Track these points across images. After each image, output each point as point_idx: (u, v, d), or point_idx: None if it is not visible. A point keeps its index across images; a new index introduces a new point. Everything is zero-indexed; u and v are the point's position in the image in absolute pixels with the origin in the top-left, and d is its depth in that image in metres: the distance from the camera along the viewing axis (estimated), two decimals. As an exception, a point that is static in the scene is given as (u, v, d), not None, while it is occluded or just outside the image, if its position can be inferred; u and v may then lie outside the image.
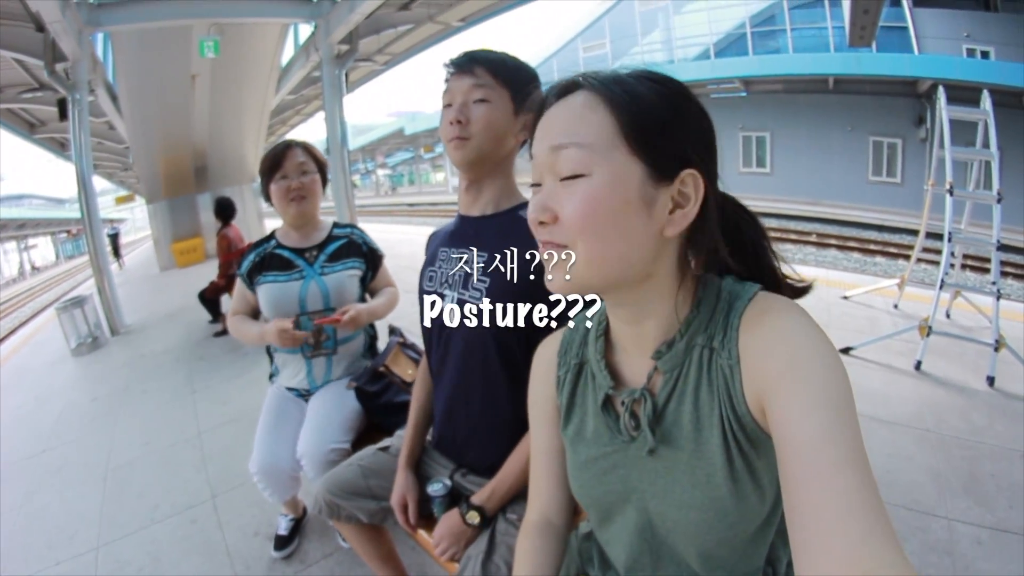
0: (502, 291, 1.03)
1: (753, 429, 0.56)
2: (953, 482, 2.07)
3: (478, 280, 1.07)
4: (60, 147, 14.28)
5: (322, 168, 1.78)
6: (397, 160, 35.06)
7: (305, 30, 8.44)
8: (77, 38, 5.58)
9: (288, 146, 1.70)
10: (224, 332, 4.77)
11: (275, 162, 1.68)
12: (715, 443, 0.58)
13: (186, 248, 9.59)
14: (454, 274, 1.11)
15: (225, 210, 4.95)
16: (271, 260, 1.74)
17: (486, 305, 1.04)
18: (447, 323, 1.11)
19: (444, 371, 1.17)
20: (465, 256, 1.10)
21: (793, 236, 10.43)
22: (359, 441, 1.63)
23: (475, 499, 1.07)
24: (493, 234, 1.09)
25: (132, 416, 3.33)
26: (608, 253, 0.56)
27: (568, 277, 0.57)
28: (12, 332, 8.85)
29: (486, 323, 1.05)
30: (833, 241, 9.94)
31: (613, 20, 20.75)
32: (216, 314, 5.03)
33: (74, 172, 5.66)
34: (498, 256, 1.05)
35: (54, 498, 2.52)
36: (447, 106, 1.09)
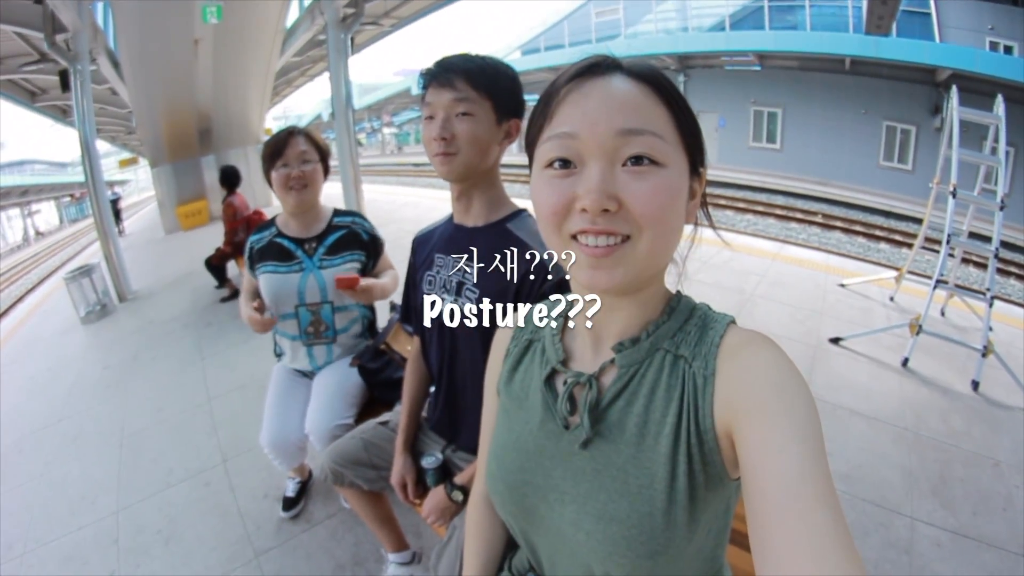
0: (492, 298, 1.10)
1: (712, 449, 0.55)
2: (922, 483, 2.15)
3: (469, 290, 1.15)
4: (62, 113, 14.00)
5: (324, 156, 1.77)
6: (403, 119, 34.55)
7: (310, -8, 8.24)
8: (76, 8, 5.49)
9: (290, 134, 1.70)
10: (230, 297, 4.85)
11: (276, 149, 1.68)
12: (662, 452, 0.56)
13: (191, 211, 9.55)
14: (450, 279, 1.18)
15: (230, 178, 4.97)
16: (271, 249, 1.77)
17: (485, 305, 1.10)
18: (446, 323, 1.17)
19: (442, 365, 1.26)
20: (459, 264, 1.17)
21: (799, 215, 10.33)
22: (362, 414, 1.75)
23: (458, 479, 1.20)
24: (485, 246, 1.12)
25: (143, 383, 3.42)
26: (669, 245, 0.57)
27: (623, 271, 0.54)
28: (20, 300, 8.91)
29: (486, 323, 1.10)
30: (839, 223, 9.83)
31: (628, -16, 20.11)
32: (222, 280, 5.08)
33: (77, 138, 5.64)
34: (488, 267, 1.11)
35: (73, 466, 2.63)
36: (429, 118, 1.10)
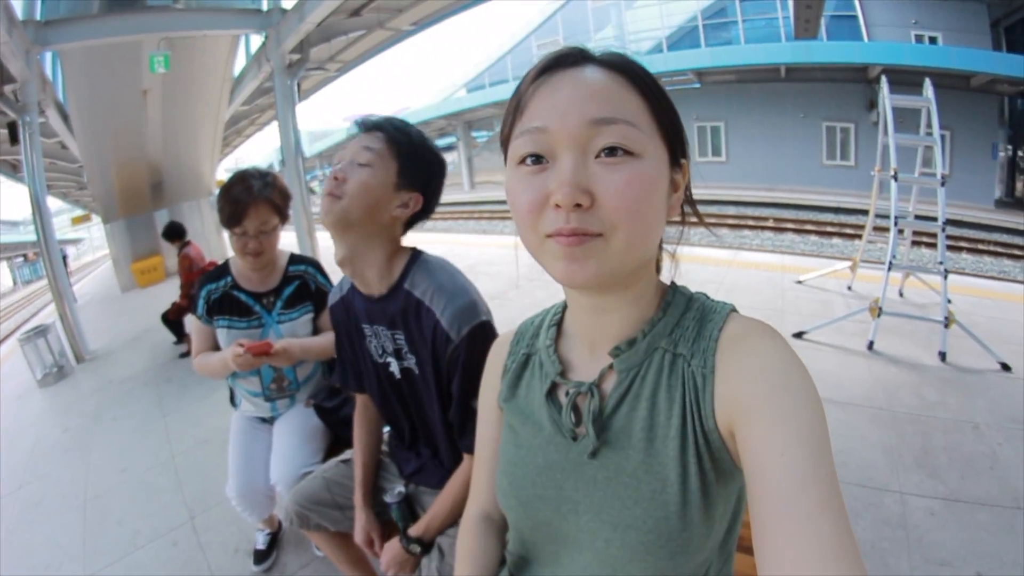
0: (427, 367, 1.09)
1: (719, 447, 0.54)
2: (906, 457, 2.18)
3: (407, 354, 1.12)
4: (11, 168, 13.64)
5: (284, 211, 1.67)
6: (354, 166, 35.11)
7: (256, 41, 8.32)
8: (24, 58, 5.40)
9: (252, 200, 1.56)
10: (189, 352, 4.71)
11: (234, 216, 1.57)
12: (670, 455, 0.55)
13: (146, 267, 9.30)
14: (386, 346, 1.16)
15: (174, 234, 4.91)
16: (228, 301, 1.68)
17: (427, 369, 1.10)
18: (396, 376, 1.17)
19: (396, 415, 1.25)
20: (386, 332, 1.14)
21: (751, 222, 10.64)
22: (326, 456, 1.68)
23: (413, 531, 1.14)
24: (397, 314, 1.10)
25: (105, 444, 3.29)
26: (648, 239, 0.54)
27: (597, 265, 0.51)
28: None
29: (424, 376, 1.12)
30: (790, 225, 10.20)
31: (566, 17, 20.94)
32: (180, 335, 4.95)
33: (27, 194, 5.49)
34: (411, 334, 1.09)
35: (36, 534, 2.49)
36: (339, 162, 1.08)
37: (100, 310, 7.99)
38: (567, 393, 0.63)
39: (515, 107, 0.56)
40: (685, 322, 0.59)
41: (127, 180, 8.99)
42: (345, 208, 1.03)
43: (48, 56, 6.94)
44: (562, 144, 0.51)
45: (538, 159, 0.53)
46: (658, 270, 0.65)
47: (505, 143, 0.58)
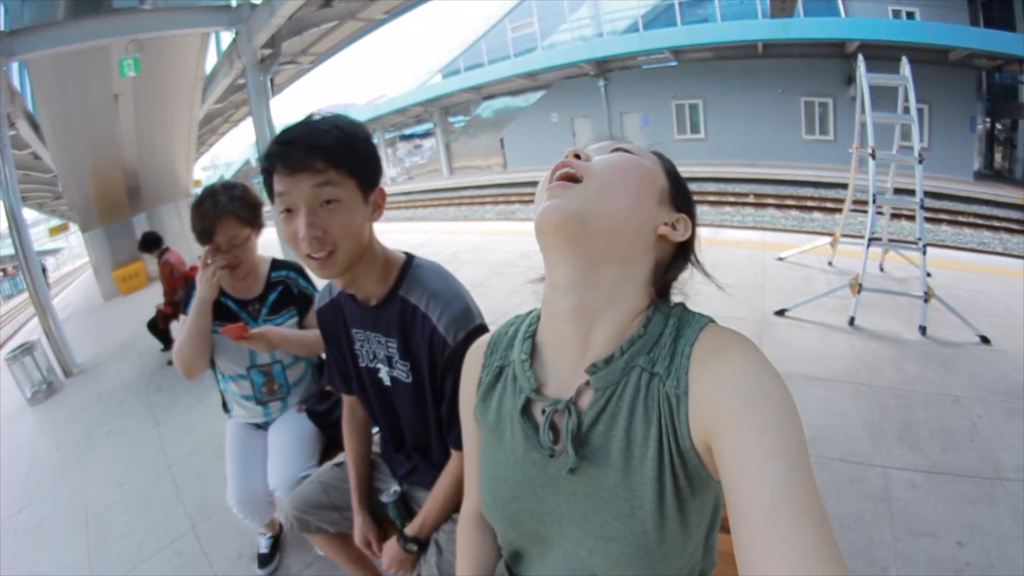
0: (423, 370, 1.09)
1: (695, 466, 0.54)
2: (887, 431, 2.24)
3: (399, 362, 1.12)
4: None
5: (256, 221, 1.67)
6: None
7: (226, 37, 8.14)
8: None
9: (218, 216, 1.57)
10: None
11: (205, 232, 1.58)
12: (647, 476, 0.56)
13: (128, 274, 9.15)
14: (377, 352, 1.16)
15: (151, 243, 4.85)
16: (216, 308, 1.68)
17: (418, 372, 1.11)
18: (385, 383, 1.18)
19: (385, 418, 1.26)
20: (379, 339, 1.13)
21: (731, 199, 10.67)
22: (321, 459, 1.71)
23: (409, 530, 1.17)
24: (392, 321, 1.09)
25: (102, 460, 3.27)
26: (622, 193, 0.60)
27: (569, 200, 0.57)
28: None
29: (417, 381, 1.12)
30: (771, 200, 10.24)
31: (540, -2, 20.68)
32: (167, 342, 4.91)
33: (2, 208, 5.41)
34: (405, 340, 1.09)
35: (41, 556, 2.48)
36: (287, 211, 0.95)
37: (84, 321, 7.87)
38: (543, 411, 0.62)
39: None
40: (663, 340, 0.59)
41: (103, 186, 8.81)
42: (344, 257, 0.99)
43: (15, 67, 6.73)
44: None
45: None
46: (665, 294, 0.66)
47: None
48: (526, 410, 0.65)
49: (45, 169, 11.65)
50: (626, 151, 0.64)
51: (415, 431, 1.21)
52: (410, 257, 1.14)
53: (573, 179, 0.58)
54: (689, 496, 0.56)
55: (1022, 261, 4.50)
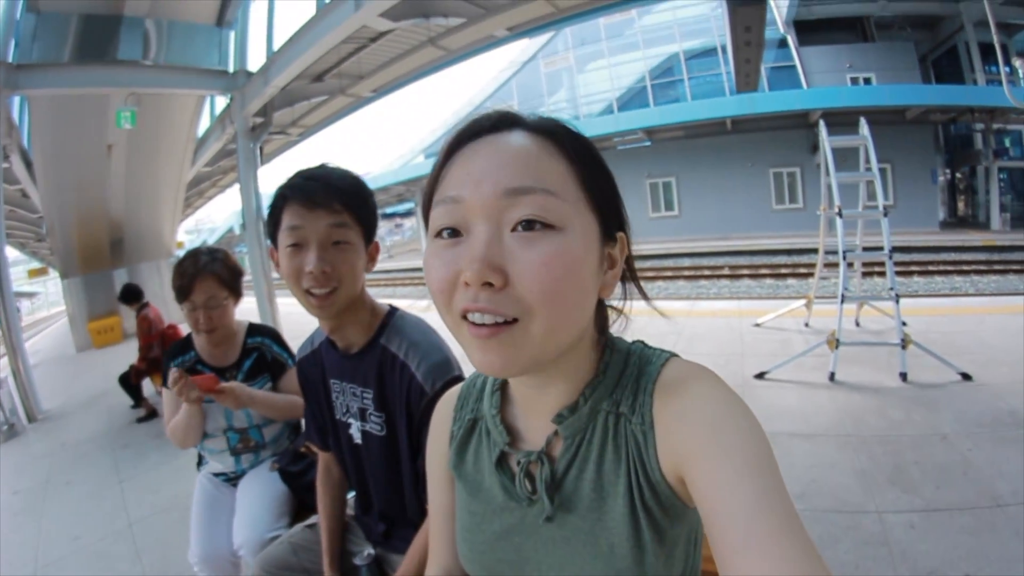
0: (399, 422, 1.08)
1: (668, 496, 0.53)
2: (878, 477, 2.22)
3: (373, 415, 1.12)
4: None
5: (235, 287, 1.70)
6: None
7: (221, 102, 8.42)
8: None
9: (197, 274, 1.60)
10: (147, 417, 4.56)
11: (184, 288, 1.61)
12: (619, 512, 0.54)
13: (103, 327, 8.92)
14: (351, 405, 1.15)
15: (131, 296, 4.85)
16: (192, 375, 1.64)
17: (392, 426, 1.10)
18: (358, 442, 1.16)
19: (356, 478, 1.23)
20: (355, 390, 1.13)
21: (707, 272, 10.92)
22: (291, 522, 1.63)
23: None
24: (370, 371, 1.09)
25: (58, 509, 3.12)
26: (570, 323, 0.50)
27: (515, 355, 0.48)
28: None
29: (398, 440, 1.10)
30: (745, 271, 10.52)
31: (520, 81, 22.06)
32: (138, 399, 4.77)
33: None
34: (381, 392, 1.09)
35: None
36: (295, 245, 0.98)
37: (54, 369, 7.67)
38: (518, 462, 0.61)
39: (435, 174, 0.53)
40: (624, 380, 0.57)
41: (87, 235, 8.77)
42: (344, 298, 1.01)
43: (16, 100, 6.85)
44: (475, 215, 0.48)
45: (454, 232, 0.49)
46: (604, 329, 0.62)
47: (425, 213, 0.54)
48: (501, 462, 0.63)
49: (32, 209, 11.59)
50: (545, 223, 0.47)
51: (386, 493, 1.17)
52: (393, 309, 1.16)
53: (499, 313, 0.47)
54: (666, 526, 0.55)
55: (994, 298, 4.67)
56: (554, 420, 0.58)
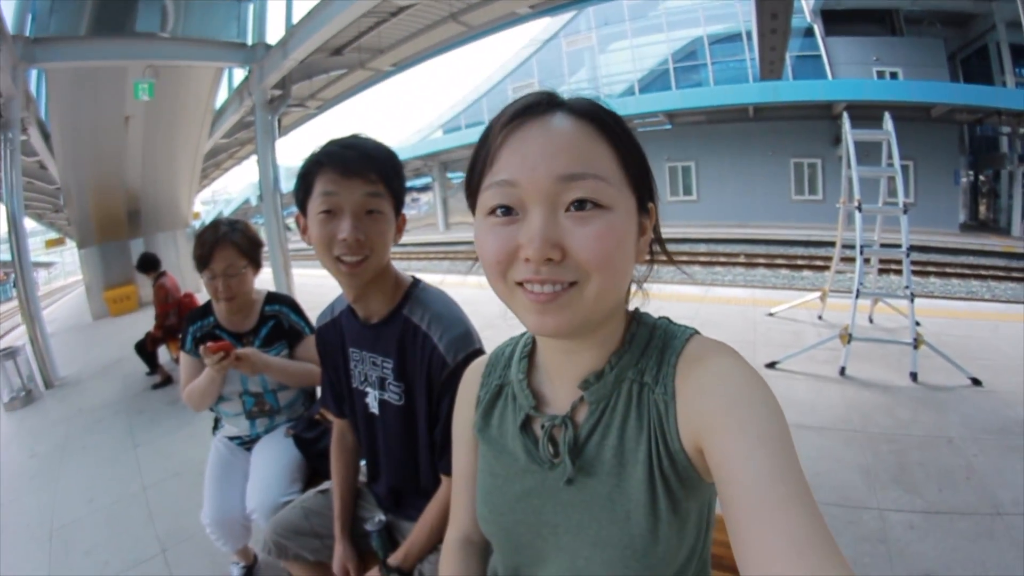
0: (418, 392, 1.09)
1: (685, 467, 0.56)
2: (882, 475, 2.22)
3: (392, 384, 1.13)
4: None
5: (254, 256, 1.73)
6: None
7: (239, 74, 8.43)
8: (11, 74, 5.40)
9: (217, 241, 1.63)
10: (162, 384, 4.64)
11: (203, 257, 1.64)
12: (639, 478, 0.57)
13: (119, 296, 9.06)
14: (370, 374, 1.16)
15: (148, 265, 4.91)
16: (211, 339, 1.70)
17: (412, 396, 1.11)
18: (373, 411, 1.18)
19: (371, 446, 1.25)
20: (375, 360, 1.14)
21: (723, 259, 10.83)
22: (304, 488, 1.66)
23: (392, 561, 1.12)
24: (392, 341, 1.10)
25: (74, 473, 3.19)
26: (618, 288, 0.56)
27: (570, 316, 0.53)
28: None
29: (416, 410, 1.12)
30: (761, 260, 10.40)
31: (541, 60, 21.65)
32: (153, 366, 4.84)
33: (3, 213, 5.45)
34: (402, 361, 1.10)
35: None
36: (327, 212, 0.98)
37: (71, 337, 7.79)
38: (542, 426, 0.64)
39: (485, 156, 0.56)
40: (649, 351, 0.61)
41: (104, 206, 8.87)
42: (373, 267, 1.03)
43: (33, 73, 6.90)
44: (531, 198, 0.52)
45: (508, 211, 0.54)
46: (626, 301, 0.66)
47: (473, 194, 0.58)
48: (525, 426, 0.67)
49: (49, 180, 11.74)
50: (596, 203, 0.52)
51: (399, 462, 1.19)
52: (416, 280, 1.17)
53: (560, 281, 0.53)
54: (682, 496, 0.57)
55: (1010, 305, 4.59)
56: (580, 386, 0.62)
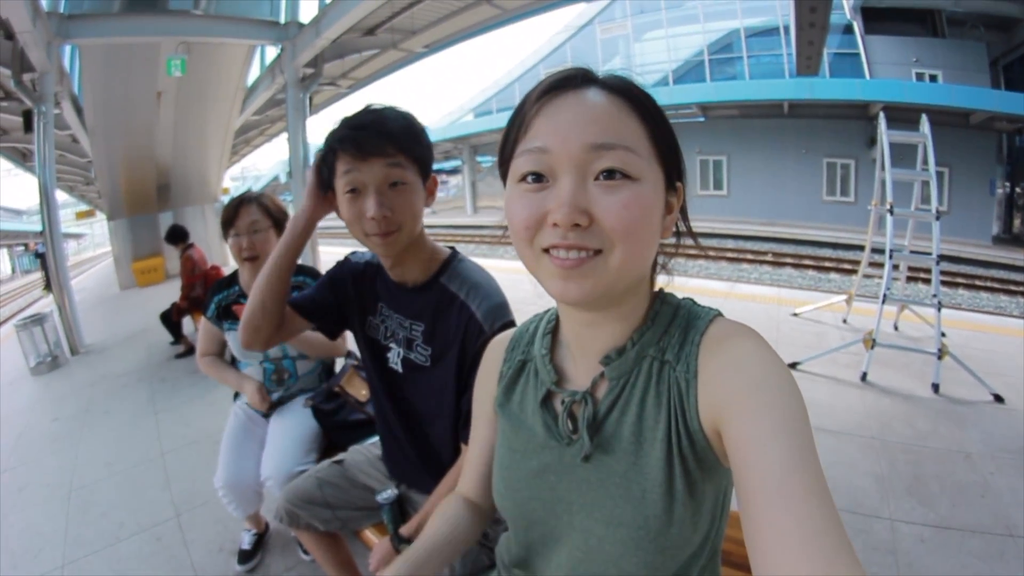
0: (449, 359, 1.10)
1: (703, 448, 0.56)
2: (897, 485, 2.18)
3: (419, 346, 1.13)
4: (22, 157, 13.81)
5: (279, 221, 1.78)
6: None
7: (271, 52, 8.49)
8: (46, 49, 5.51)
9: (241, 202, 1.73)
10: (186, 353, 4.74)
11: (228, 218, 1.72)
12: (656, 457, 0.57)
13: (147, 267, 9.33)
14: (397, 332, 1.17)
15: (177, 236, 5.02)
16: (236, 310, 1.78)
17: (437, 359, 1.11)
18: (395, 368, 1.18)
19: (386, 409, 1.25)
20: (403, 322, 1.15)
21: (749, 256, 10.69)
22: (320, 459, 1.69)
23: (405, 531, 1.14)
24: (426, 306, 1.12)
25: (94, 437, 3.29)
26: (642, 259, 0.56)
27: (593, 284, 0.54)
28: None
29: (435, 368, 1.12)
30: (789, 260, 10.23)
31: (575, 46, 21.28)
32: (178, 336, 4.97)
33: (36, 184, 5.57)
34: (433, 327, 1.10)
35: (17, 518, 2.48)
36: (352, 191, 1.00)
37: (98, 306, 8.00)
38: (563, 401, 0.65)
39: (519, 125, 0.58)
40: (672, 330, 0.61)
41: (134, 180, 9.08)
42: (405, 238, 1.04)
43: (67, 49, 7.06)
44: (563, 165, 0.54)
45: (539, 178, 0.55)
46: (652, 285, 0.67)
47: (506, 161, 0.59)
48: (546, 401, 0.67)
49: (81, 153, 12.04)
50: (624, 174, 0.53)
51: (418, 423, 1.19)
52: (455, 251, 1.17)
53: (586, 247, 0.54)
54: (699, 478, 0.57)
55: None
56: (601, 361, 0.62)
